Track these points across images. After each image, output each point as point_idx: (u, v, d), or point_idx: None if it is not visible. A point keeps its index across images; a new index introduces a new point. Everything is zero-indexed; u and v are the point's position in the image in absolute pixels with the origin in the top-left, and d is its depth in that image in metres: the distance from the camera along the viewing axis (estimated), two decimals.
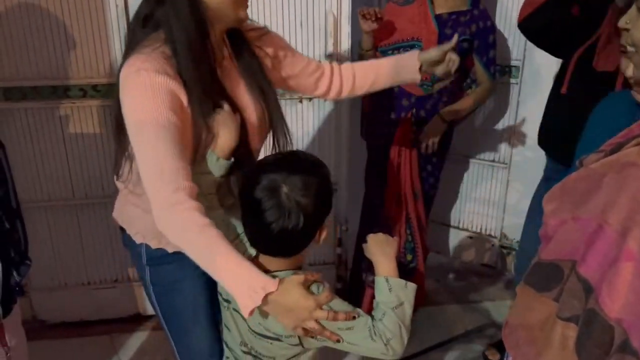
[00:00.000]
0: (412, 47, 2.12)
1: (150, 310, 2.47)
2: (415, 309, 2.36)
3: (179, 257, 1.10)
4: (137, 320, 2.46)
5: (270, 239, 1.04)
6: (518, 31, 2.48)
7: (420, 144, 2.20)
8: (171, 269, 1.28)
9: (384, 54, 2.14)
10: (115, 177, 1.33)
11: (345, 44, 2.23)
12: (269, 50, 1.36)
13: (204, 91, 1.14)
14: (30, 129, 2.15)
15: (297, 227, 1.01)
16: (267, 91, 1.29)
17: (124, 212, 1.36)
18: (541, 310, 0.95)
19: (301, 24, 2.18)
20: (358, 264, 2.42)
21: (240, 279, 0.99)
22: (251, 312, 0.99)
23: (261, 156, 1.25)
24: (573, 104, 1.68)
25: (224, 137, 1.18)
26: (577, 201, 0.93)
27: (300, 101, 2.30)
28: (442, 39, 2.10)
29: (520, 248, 2.08)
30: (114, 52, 2.11)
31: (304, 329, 1.03)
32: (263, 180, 1.03)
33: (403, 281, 1.10)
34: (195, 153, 1.18)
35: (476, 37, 2.14)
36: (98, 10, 2.06)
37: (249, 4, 1.21)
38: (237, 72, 1.27)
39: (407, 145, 2.22)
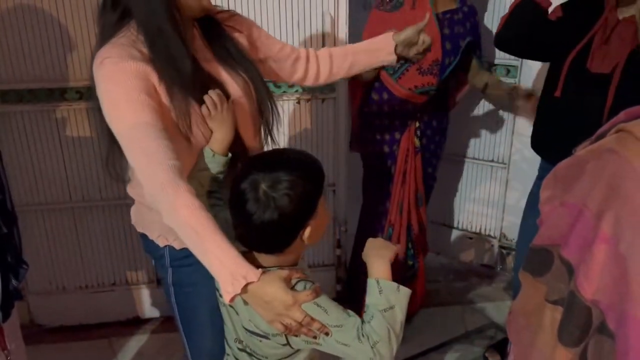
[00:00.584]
0: None
1: (148, 314, 2.46)
2: (416, 311, 2.39)
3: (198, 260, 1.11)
4: (135, 323, 2.45)
5: (250, 232, 1.06)
6: None
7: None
8: (191, 270, 1.26)
9: (386, 69, 2.13)
10: (124, 185, 1.36)
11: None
12: (243, 29, 1.36)
13: (183, 77, 1.14)
14: (27, 131, 2.15)
15: (273, 223, 1.02)
16: (248, 68, 1.29)
17: (142, 218, 1.36)
18: (537, 296, 0.97)
19: (298, 25, 2.18)
20: (356, 268, 2.41)
21: (224, 265, 1.00)
22: (231, 299, 1.00)
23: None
24: (568, 107, 1.67)
25: (220, 131, 1.19)
26: (565, 187, 0.96)
27: (298, 102, 2.29)
28: (443, 40, 2.10)
29: (517, 247, 2.08)
30: None
31: (285, 326, 1.02)
32: (248, 175, 1.05)
33: (395, 284, 1.09)
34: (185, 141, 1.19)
35: (469, 34, 2.16)
36: (94, 11, 2.05)
37: None
38: (212, 55, 1.27)
39: (412, 152, 2.21)
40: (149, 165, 1.07)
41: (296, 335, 1.06)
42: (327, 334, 1.04)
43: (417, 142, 2.21)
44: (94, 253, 2.36)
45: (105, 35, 1.18)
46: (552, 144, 1.76)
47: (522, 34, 1.76)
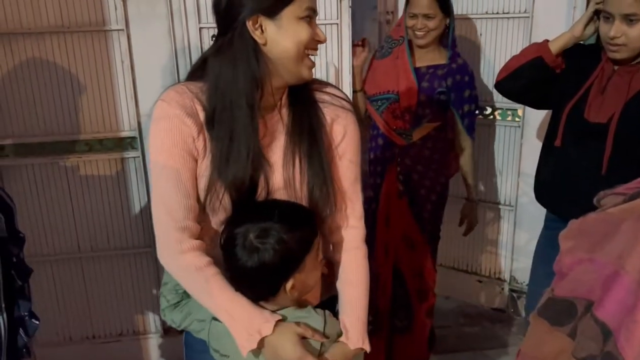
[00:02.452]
0: (387, 99, 2.20)
1: None
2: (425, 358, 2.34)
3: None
4: None
5: (236, 276, 1.08)
6: None
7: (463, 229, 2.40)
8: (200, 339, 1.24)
9: (372, 102, 2.26)
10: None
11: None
12: (337, 130, 1.18)
13: (230, 164, 1.07)
14: (37, 183, 2.18)
15: (255, 271, 1.05)
16: (315, 157, 1.13)
17: None
18: (554, 344, 0.96)
19: None
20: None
21: (236, 320, 1.04)
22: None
23: None
24: (567, 157, 1.68)
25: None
26: (594, 242, 0.94)
27: None
28: (420, 91, 2.15)
29: (528, 295, 2.05)
30: (120, 106, 2.16)
31: None
32: (241, 222, 1.08)
33: None
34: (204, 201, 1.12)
35: (452, 90, 2.17)
36: (104, 66, 2.11)
37: (314, 62, 1.11)
38: (283, 126, 1.15)
39: (395, 195, 2.24)
40: (165, 220, 1.08)
41: None
42: None
43: (400, 186, 2.23)
44: (102, 303, 2.35)
45: (189, 73, 1.15)
46: (554, 195, 1.76)
47: (528, 87, 1.79)
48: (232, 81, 1.06)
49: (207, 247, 1.12)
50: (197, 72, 1.13)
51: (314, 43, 1.09)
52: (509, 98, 1.94)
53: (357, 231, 1.24)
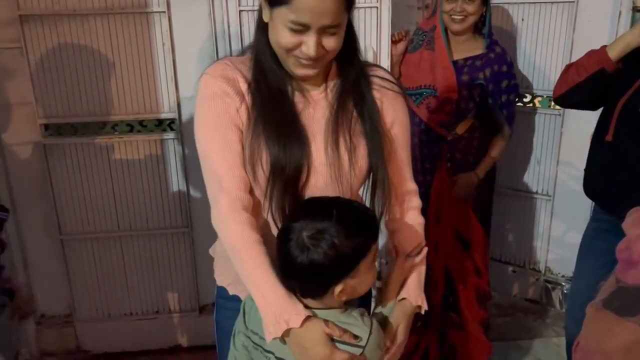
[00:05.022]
0: (420, 95, 2.16)
1: (190, 342, 2.49)
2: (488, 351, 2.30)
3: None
4: (176, 352, 2.47)
5: (286, 270, 1.05)
6: (562, 63, 2.48)
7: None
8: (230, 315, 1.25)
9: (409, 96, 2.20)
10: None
11: None
12: (388, 113, 1.18)
13: (271, 122, 1.09)
14: (79, 163, 2.23)
15: (305, 270, 1.01)
16: (371, 135, 1.13)
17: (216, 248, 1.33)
18: (624, 336, 0.93)
19: None
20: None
21: (269, 304, 1.02)
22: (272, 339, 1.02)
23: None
24: (619, 151, 1.63)
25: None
26: None
27: None
28: (461, 85, 2.11)
29: (571, 291, 1.99)
30: (160, 88, 2.19)
31: None
32: (299, 217, 1.04)
33: None
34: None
35: (490, 81, 2.13)
36: (146, 48, 2.14)
37: (305, 62, 1.06)
38: (327, 102, 1.15)
39: (446, 191, 2.19)
40: (218, 190, 1.09)
41: None
42: None
43: (450, 181, 2.19)
44: (139, 281, 2.41)
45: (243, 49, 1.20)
46: (604, 189, 1.71)
47: (590, 99, 1.73)
48: (262, 52, 1.11)
49: (261, 226, 1.12)
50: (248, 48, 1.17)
51: (298, 52, 1.05)
52: (567, 108, 1.87)
53: (414, 198, 1.26)
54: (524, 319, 2.71)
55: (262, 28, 1.10)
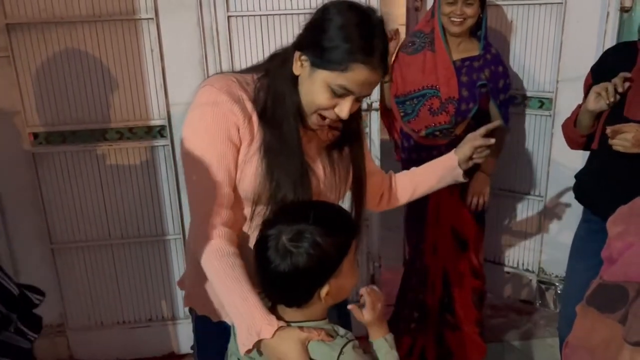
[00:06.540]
0: (423, 96, 2.15)
1: (184, 349, 2.47)
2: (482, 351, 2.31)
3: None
4: (171, 359, 2.46)
5: (267, 280, 1.05)
6: (551, 63, 2.49)
7: (470, 203, 2.20)
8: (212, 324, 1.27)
9: (402, 104, 2.19)
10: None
11: (375, 94, 2.25)
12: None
13: (280, 138, 1.11)
14: (69, 171, 2.22)
15: (288, 276, 1.00)
16: (355, 149, 1.24)
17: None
18: (604, 332, 0.94)
19: None
20: (399, 303, 2.38)
21: (242, 317, 1.02)
22: (247, 352, 1.02)
23: None
24: (606, 159, 1.64)
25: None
26: None
27: None
28: (461, 86, 2.12)
29: (564, 292, 2.00)
30: (149, 95, 2.18)
31: None
32: (275, 223, 1.04)
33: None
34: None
35: (489, 81, 2.14)
36: (134, 55, 2.13)
37: (328, 124, 1.13)
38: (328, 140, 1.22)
39: (446, 193, 2.18)
40: (199, 202, 1.11)
41: None
42: None
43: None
44: (132, 289, 2.39)
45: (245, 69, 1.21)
46: (594, 196, 1.73)
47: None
48: (283, 93, 1.11)
49: (238, 241, 1.13)
50: (252, 69, 1.18)
51: (330, 113, 1.09)
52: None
53: (382, 173, 1.44)
54: (517, 319, 2.71)
55: (291, 78, 1.10)
